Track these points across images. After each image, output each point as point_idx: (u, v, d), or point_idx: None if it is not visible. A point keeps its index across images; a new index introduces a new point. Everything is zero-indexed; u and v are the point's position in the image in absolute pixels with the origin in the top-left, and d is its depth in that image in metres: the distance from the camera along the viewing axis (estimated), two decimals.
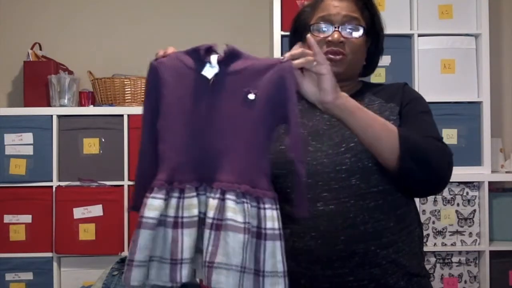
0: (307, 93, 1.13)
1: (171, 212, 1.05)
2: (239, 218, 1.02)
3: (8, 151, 2.51)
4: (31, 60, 2.72)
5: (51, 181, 2.51)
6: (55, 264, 2.51)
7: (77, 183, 2.51)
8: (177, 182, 1.07)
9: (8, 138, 2.51)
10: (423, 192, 1.38)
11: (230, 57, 1.10)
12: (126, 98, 2.60)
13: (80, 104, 2.71)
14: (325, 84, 1.11)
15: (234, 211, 1.02)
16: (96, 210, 2.49)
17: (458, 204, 2.58)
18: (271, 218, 1.04)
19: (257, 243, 1.04)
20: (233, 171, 1.06)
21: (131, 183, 2.50)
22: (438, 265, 2.57)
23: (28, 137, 2.51)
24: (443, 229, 2.58)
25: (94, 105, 2.71)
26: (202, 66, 1.10)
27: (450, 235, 2.58)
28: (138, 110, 2.50)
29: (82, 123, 2.54)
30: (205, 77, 1.09)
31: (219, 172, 1.07)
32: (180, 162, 1.08)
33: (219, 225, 1.03)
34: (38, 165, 2.51)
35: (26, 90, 2.66)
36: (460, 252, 2.58)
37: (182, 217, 1.05)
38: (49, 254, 2.51)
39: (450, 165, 1.25)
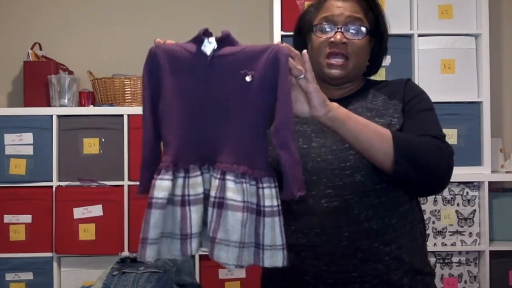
0: (298, 112, 1.14)
1: (178, 191, 1.10)
2: (238, 197, 1.06)
3: (8, 151, 2.51)
4: (31, 60, 2.72)
5: (51, 181, 2.51)
6: (55, 264, 2.51)
7: (77, 183, 2.51)
8: (182, 163, 1.11)
9: (8, 138, 2.51)
10: (422, 193, 1.38)
11: (226, 39, 1.12)
12: (126, 98, 2.60)
13: (80, 104, 2.71)
14: (314, 102, 1.12)
15: (234, 191, 1.06)
16: (96, 210, 2.49)
17: (458, 204, 2.58)
18: (269, 196, 1.08)
19: (257, 219, 1.08)
20: (232, 153, 1.09)
21: (131, 183, 2.51)
22: (438, 265, 2.57)
23: (28, 137, 2.51)
24: (443, 229, 2.58)
25: (94, 105, 2.71)
26: (201, 43, 1.12)
27: (450, 235, 2.58)
28: (138, 110, 2.51)
29: (82, 123, 2.55)
30: (204, 60, 1.12)
31: (220, 153, 1.11)
32: (183, 144, 1.12)
33: (221, 203, 1.07)
34: (38, 165, 2.51)
35: (26, 90, 2.66)
36: (460, 252, 2.58)
37: (189, 195, 1.10)
38: (49, 254, 2.51)
39: (450, 164, 1.24)
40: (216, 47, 1.11)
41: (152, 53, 1.15)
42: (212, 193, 1.08)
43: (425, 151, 1.20)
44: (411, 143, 1.20)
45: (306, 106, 1.13)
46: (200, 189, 1.11)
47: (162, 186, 1.08)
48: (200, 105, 1.12)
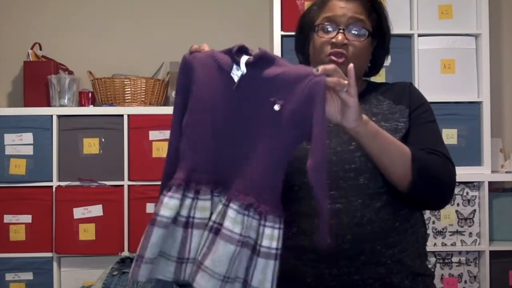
0: (328, 113, 1.07)
1: (184, 211, 1.05)
2: (236, 229, 1.01)
3: (8, 151, 2.51)
4: (31, 60, 2.72)
5: (51, 181, 2.51)
6: (55, 264, 2.51)
7: (77, 183, 2.51)
8: (194, 183, 1.06)
9: (8, 138, 2.51)
10: (423, 208, 1.41)
11: (260, 61, 1.06)
12: (126, 98, 2.60)
13: (80, 104, 2.71)
14: (348, 114, 1.08)
15: (232, 221, 1.01)
16: (96, 210, 2.49)
17: (458, 204, 2.58)
18: (270, 236, 1.02)
19: (251, 256, 1.03)
20: (244, 181, 1.04)
21: (131, 183, 2.51)
22: (438, 265, 2.57)
23: (28, 137, 2.51)
24: (443, 229, 2.58)
25: (94, 105, 2.71)
26: (234, 60, 1.07)
27: (450, 235, 2.58)
28: (138, 110, 2.51)
29: (82, 123, 2.54)
30: (234, 80, 1.07)
31: (234, 178, 1.06)
32: (199, 162, 1.07)
33: (218, 229, 1.03)
34: (38, 165, 2.51)
35: (26, 90, 2.67)
36: (460, 252, 2.58)
37: (194, 218, 1.06)
38: (49, 254, 2.51)
39: (454, 188, 1.28)
40: (244, 73, 1.05)
41: (187, 62, 1.10)
42: (213, 217, 1.04)
43: (440, 177, 1.23)
44: (429, 167, 1.21)
45: (338, 112, 1.08)
46: (207, 214, 1.06)
47: (169, 204, 1.04)
48: (225, 126, 1.07)
